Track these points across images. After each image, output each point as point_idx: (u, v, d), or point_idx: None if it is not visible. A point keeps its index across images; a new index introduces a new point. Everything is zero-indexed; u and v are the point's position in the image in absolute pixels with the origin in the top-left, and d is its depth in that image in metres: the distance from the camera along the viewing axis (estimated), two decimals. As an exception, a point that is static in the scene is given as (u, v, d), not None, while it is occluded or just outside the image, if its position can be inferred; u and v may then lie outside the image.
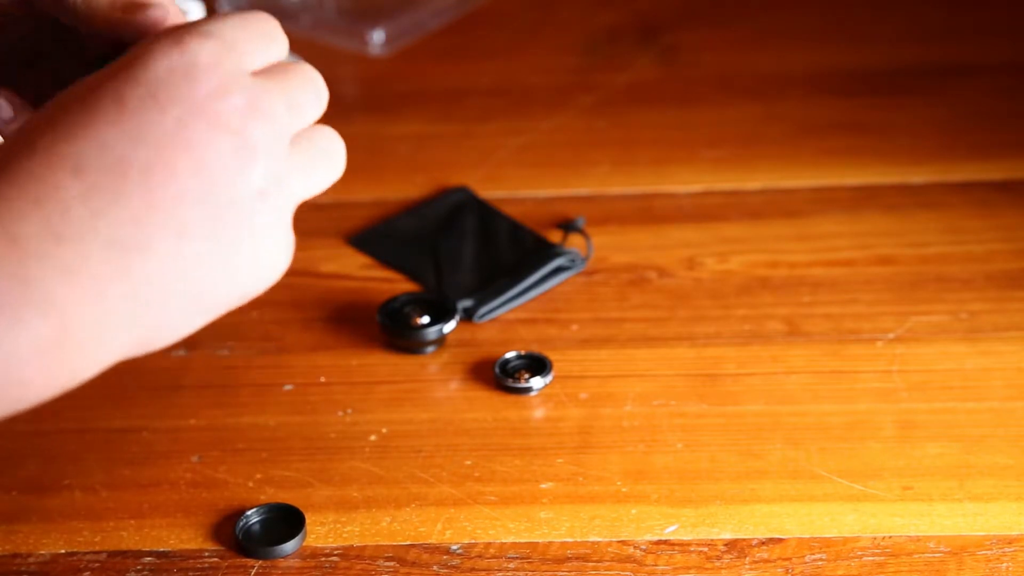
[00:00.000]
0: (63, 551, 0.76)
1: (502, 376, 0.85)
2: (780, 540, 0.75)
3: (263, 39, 0.60)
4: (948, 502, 0.76)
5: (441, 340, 0.88)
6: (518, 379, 0.84)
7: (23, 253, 0.55)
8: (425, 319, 0.88)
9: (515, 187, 1.01)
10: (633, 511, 0.77)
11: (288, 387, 0.86)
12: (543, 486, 0.79)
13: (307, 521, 0.77)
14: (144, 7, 0.63)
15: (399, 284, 0.93)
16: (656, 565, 0.74)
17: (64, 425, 0.83)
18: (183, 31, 0.59)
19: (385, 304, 0.89)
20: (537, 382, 0.84)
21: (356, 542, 0.76)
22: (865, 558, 0.74)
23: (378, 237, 0.97)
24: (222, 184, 0.58)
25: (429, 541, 0.76)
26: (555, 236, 0.95)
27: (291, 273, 0.93)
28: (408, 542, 0.76)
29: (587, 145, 1.05)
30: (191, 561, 0.75)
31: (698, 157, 1.03)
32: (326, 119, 0.63)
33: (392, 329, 0.88)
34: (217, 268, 0.59)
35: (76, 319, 0.56)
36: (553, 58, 1.15)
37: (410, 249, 0.96)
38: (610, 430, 0.82)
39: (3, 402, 0.56)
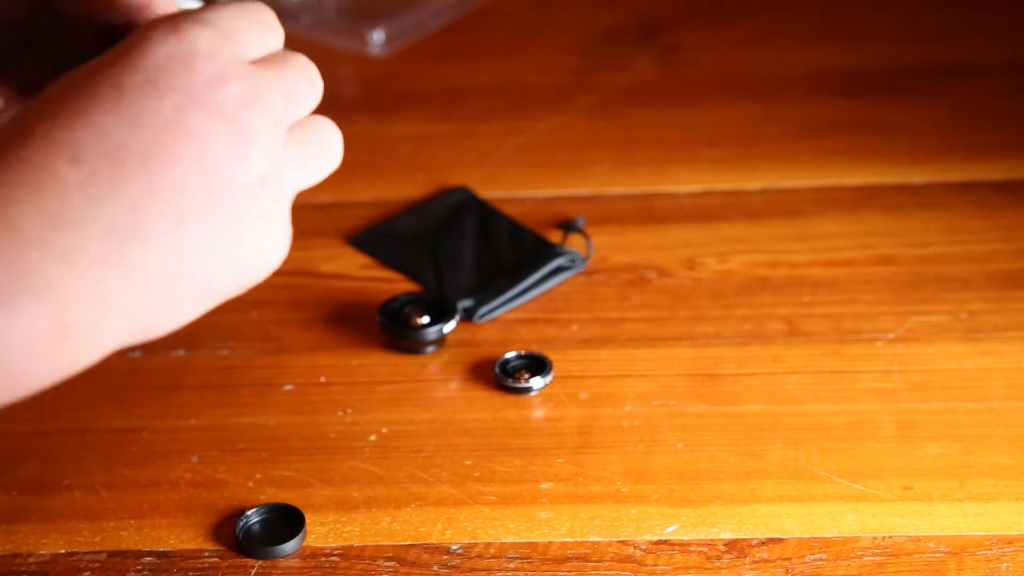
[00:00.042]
0: (63, 551, 0.76)
1: (502, 376, 0.85)
2: (780, 540, 0.75)
3: (260, 29, 0.61)
4: (948, 502, 0.76)
5: (441, 340, 0.88)
6: (518, 379, 0.84)
7: (21, 241, 0.55)
8: (425, 319, 0.88)
9: (515, 187, 1.01)
10: (633, 511, 0.77)
11: (288, 387, 0.86)
12: (543, 486, 0.79)
13: (307, 521, 0.77)
14: None
15: (399, 284, 0.93)
16: (656, 565, 0.74)
17: (64, 425, 0.83)
18: (180, 19, 0.59)
19: (385, 304, 0.89)
20: (537, 382, 0.84)
21: (356, 542, 0.76)
22: (865, 558, 0.74)
23: (378, 237, 0.97)
24: (221, 172, 0.58)
25: (429, 541, 0.76)
26: (555, 236, 0.95)
27: (291, 273, 0.94)
28: (408, 542, 0.76)
29: (587, 145, 1.05)
30: (191, 561, 0.75)
31: (698, 157, 1.03)
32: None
33: (392, 329, 0.88)
34: (216, 256, 0.59)
35: (74, 307, 0.56)
36: (553, 58, 1.15)
37: (410, 249, 0.96)
38: (610, 430, 0.82)
39: (1, 391, 0.55)
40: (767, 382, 0.84)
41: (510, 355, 0.86)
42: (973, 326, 0.87)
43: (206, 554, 0.76)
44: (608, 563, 0.74)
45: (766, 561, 0.74)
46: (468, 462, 0.80)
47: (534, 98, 1.10)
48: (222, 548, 0.76)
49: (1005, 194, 0.97)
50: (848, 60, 1.12)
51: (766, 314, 0.89)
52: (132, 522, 0.77)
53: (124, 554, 0.76)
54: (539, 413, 0.83)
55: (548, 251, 0.93)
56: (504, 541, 0.76)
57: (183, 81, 0.58)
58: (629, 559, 0.74)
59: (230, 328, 0.89)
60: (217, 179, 0.58)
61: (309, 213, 0.97)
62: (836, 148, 1.03)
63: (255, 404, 0.85)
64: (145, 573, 0.75)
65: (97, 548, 0.76)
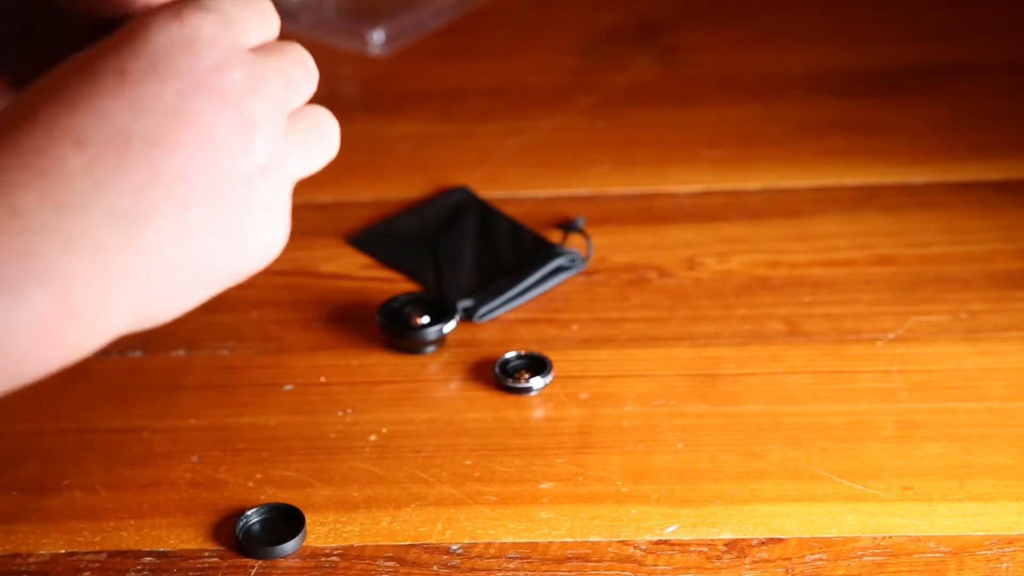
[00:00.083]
0: (63, 551, 0.76)
1: (502, 376, 0.85)
2: (780, 540, 0.75)
3: (259, 17, 0.61)
4: (948, 502, 0.76)
5: (441, 340, 0.88)
6: (518, 379, 0.84)
7: (25, 226, 0.55)
8: (425, 319, 0.88)
9: (515, 187, 1.01)
10: (633, 511, 0.77)
11: (288, 387, 0.86)
12: (543, 486, 0.79)
13: (307, 521, 0.77)
14: None
15: (399, 284, 0.93)
16: (656, 565, 0.74)
17: (64, 425, 0.83)
18: (182, 5, 0.59)
19: (385, 304, 0.89)
20: (537, 382, 0.84)
21: (356, 542, 0.76)
22: (865, 558, 0.74)
23: (378, 237, 0.97)
24: (224, 158, 0.58)
25: (429, 541, 0.76)
26: (555, 236, 0.95)
27: (291, 273, 0.94)
28: (408, 542, 0.76)
29: (587, 145, 1.05)
30: (191, 561, 0.75)
31: (698, 157, 1.03)
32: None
33: (392, 329, 0.88)
34: (219, 242, 0.59)
35: (78, 292, 0.56)
36: (553, 58, 1.15)
37: (410, 249, 0.96)
38: (610, 430, 0.82)
39: (2, 376, 0.55)
40: (767, 382, 0.84)
41: (510, 355, 0.86)
42: (973, 326, 0.87)
43: (206, 554, 0.76)
44: (608, 563, 0.74)
45: (766, 561, 0.74)
46: (468, 462, 0.80)
47: (534, 98, 1.10)
48: (222, 548, 0.76)
49: (1005, 194, 0.97)
50: (848, 60, 1.12)
51: (766, 314, 0.89)
52: (132, 522, 0.77)
53: (124, 554, 0.76)
54: (539, 413, 0.83)
55: (548, 251, 0.93)
56: (504, 541, 0.76)
57: (185, 67, 0.58)
58: (629, 559, 0.74)
59: (230, 328, 0.89)
60: (220, 165, 0.58)
61: (309, 213, 0.97)
62: (836, 148, 1.03)
63: (255, 404, 0.85)
64: (145, 573, 0.75)
65: (97, 548, 0.76)
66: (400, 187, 1.01)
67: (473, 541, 0.76)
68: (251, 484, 0.79)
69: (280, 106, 0.60)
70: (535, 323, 0.89)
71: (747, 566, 0.74)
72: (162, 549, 0.76)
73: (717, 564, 0.74)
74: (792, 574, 0.73)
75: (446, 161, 1.03)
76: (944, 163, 1.00)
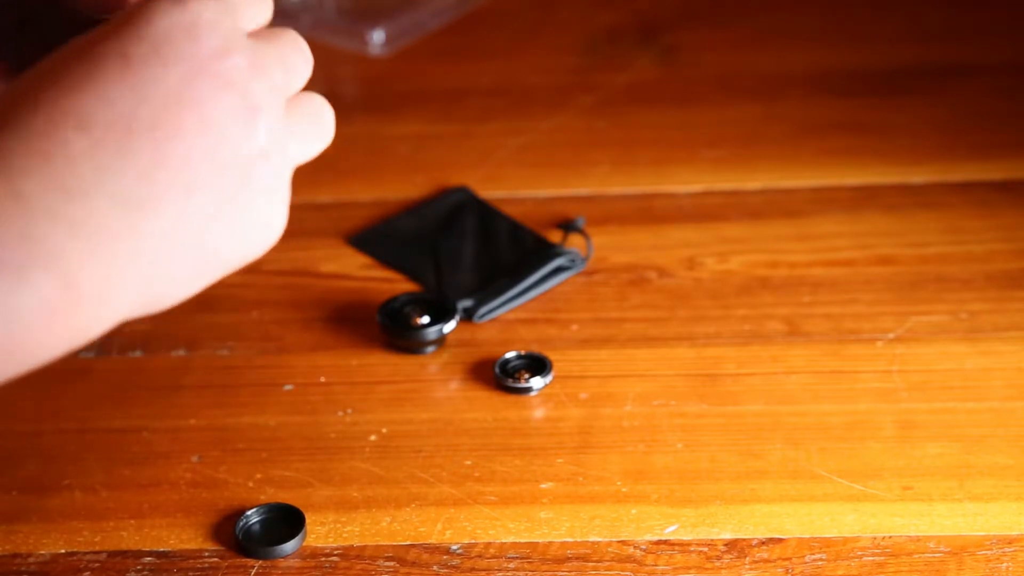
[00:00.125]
0: (63, 551, 0.76)
1: (502, 376, 0.85)
2: (780, 540, 0.75)
3: (257, 2, 0.61)
4: (948, 502, 0.76)
5: (441, 340, 0.88)
6: (518, 379, 0.84)
7: (29, 210, 0.55)
8: (425, 319, 0.88)
9: (515, 187, 1.01)
10: (633, 511, 0.77)
11: (288, 387, 0.86)
12: (543, 486, 0.79)
13: (307, 521, 0.77)
14: None
15: (399, 284, 0.93)
16: (656, 565, 0.74)
17: (64, 425, 0.83)
18: None
19: (385, 304, 0.89)
20: (537, 382, 0.84)
21: (356, 542, 0.76)
22: (865, 558, 0.74)
23: (378, 237, 0.97)
24: (227, 143, 0.58)
25: (429, 541, 0.76)
26: (555, 236, 0.95)
27: (291, 273, 0.94)
28: (408, 542, 0.76)
29: (587, 145, 1.05)
30: (191, 561, 0.75)
31: (698, 157, 1.03)
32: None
33: (392, 329, 0.88)
34: (223, 227, 0.59)
35: (82, 276, 0.56)
36: (553, 58, 1.15)
37: (410, 249, 0.96)
38: (610, 430, 0.82)
39: (7, 362, 0.55)
40: (767, 382, 0.84)
41: (510, 355, 0.86)
42: (973, 326, 0.87)
43: (206, 554, 0.76)
44: (608, 563, 0.74)
45: (766, 561, 0.74)
46: (468, 462, 0.80)
47: (534, 98, 1.10)
48: (222, 548, 0.76)
49: (1005, 194, 0.97)
50: (848, 60, 1.12)
51: (766, 314, 0.89)
52: (132, 522, 0.77)
53: (124, 554, 0.76)
54: (539, 413, 0.83)
55: (548, 251, 0.93)
56: (504, 541, 0.76)
57: (187, 52, 0.58)
58: (629, 559, 0.74)
59: (230, 328, 0.90)
60: (223, 150, 0.58)
61: (309, 213, 0.97)
62: (836, 148, 1.03)
63: (255, 404, 0.85)
64: (145, 573, 0.75)
65: (97, 548, 0.76)
66: (400, 187, 1.01)
67: (473, 541, 0.76)
68: (251, 484, 0.79)
69: (280, 91, 0.60)
70: (535, 323, 0.89)
71: (747, 566, 0.74)
72: (162, 549, 0.76)
73: (717, 564, 0.74)
74: (792, 574, 0.73)
75: (446, 161, 1.03)
76: (944, 163, 1.00)
